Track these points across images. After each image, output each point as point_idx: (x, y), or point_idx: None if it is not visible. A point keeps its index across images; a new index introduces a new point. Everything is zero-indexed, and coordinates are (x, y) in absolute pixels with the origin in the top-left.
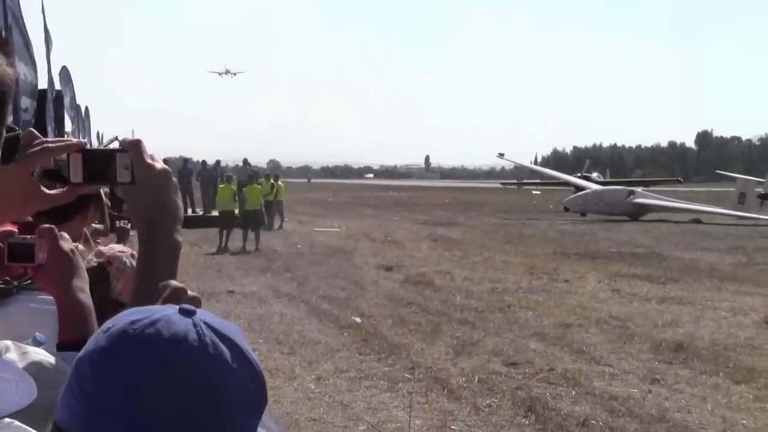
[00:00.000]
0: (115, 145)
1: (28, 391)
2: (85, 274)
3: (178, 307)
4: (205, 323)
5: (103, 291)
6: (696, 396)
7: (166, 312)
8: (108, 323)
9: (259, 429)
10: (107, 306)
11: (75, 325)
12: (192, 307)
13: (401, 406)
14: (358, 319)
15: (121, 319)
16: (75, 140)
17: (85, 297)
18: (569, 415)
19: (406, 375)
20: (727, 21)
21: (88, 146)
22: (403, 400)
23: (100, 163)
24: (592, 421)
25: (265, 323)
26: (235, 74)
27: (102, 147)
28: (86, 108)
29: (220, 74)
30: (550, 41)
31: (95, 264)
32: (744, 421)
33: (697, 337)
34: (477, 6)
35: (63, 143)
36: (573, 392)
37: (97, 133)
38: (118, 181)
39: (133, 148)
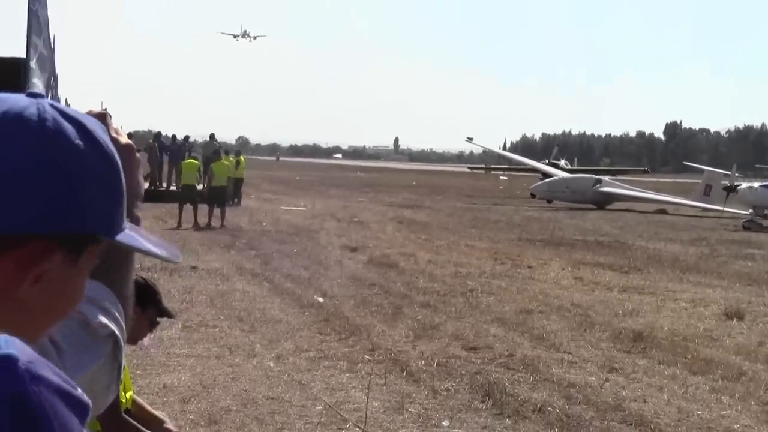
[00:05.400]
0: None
1: None
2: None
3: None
4: (51, 104)
5: None
6: (653, 386)
7: (10, 94)
8: None
9: (145, 243)
10: None
11: None
12: (39, 92)
13: (359, 387)
14: (320, 299)
15: None
16: None
17: None
18: (526, 401)
19: (366, 356)
20: (698, 14)
21: None
22: (362, 381)
23: None
24: (549, 408)
25: (227, 300)
26: (255, 38)
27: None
28: (55, 76)
29: (235, 37)
30: (521, 28)
31: None
32: (699, 412)
33: (657, 327)
34: None
35: None
36: (531, 378)
37: (65, 101)
38: None
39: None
